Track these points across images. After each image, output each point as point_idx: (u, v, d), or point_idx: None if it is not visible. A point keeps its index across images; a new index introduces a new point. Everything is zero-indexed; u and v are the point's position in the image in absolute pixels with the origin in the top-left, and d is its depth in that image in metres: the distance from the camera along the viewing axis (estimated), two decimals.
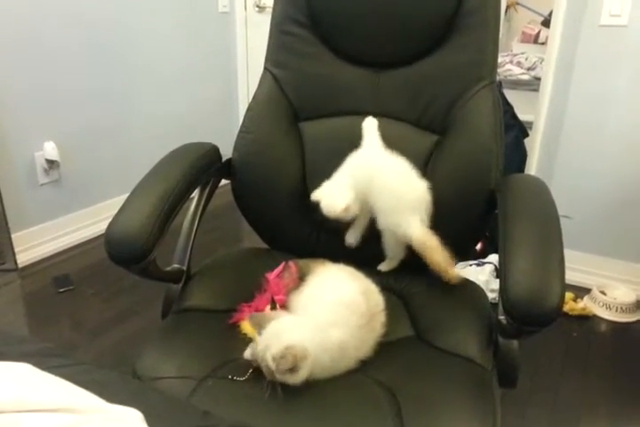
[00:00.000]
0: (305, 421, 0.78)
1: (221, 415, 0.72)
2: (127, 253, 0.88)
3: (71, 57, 2.29)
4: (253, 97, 1.26)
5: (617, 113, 1.96)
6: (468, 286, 1.09)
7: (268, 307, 1.00)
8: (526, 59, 3.56)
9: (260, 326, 0.85)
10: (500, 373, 0.90)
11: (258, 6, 3.04)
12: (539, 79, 2.54)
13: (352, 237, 1.14)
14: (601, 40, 1.91)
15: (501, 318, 0.86)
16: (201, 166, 1.11)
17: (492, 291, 1.89)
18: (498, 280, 1.98)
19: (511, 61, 3.60)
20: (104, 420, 0.62)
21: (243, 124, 1.24)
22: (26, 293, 2.11)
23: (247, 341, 0.89)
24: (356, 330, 0.86)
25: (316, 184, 1.22)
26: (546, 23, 3.57)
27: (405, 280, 1.13)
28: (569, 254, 0.80)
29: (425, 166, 1.14)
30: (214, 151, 1.17)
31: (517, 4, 3.89)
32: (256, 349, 0.82)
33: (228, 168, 1.22)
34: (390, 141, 1.17)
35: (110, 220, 0.92)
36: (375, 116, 1.19)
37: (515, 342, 0.91)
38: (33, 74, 2.17)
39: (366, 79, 1.18)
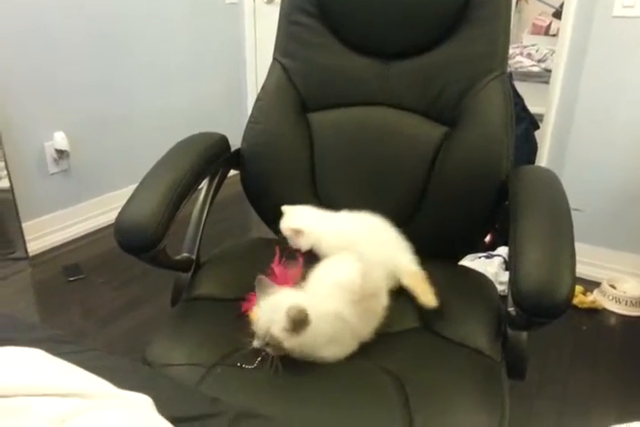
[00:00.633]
0: (313, 408, 0.79)
1: (230, 402, 0.73)
2: (137, 241, 0.88)
3: (77, 48, 2.29)
4: (262, 87, 1.25)
5: (628, 105, 1.94)
6: (476, 277, 1.09)
7: None
8: (537, 51, 3.53)
9: (263, 293, 0.88)
10: (509, 364, 0.90)
11: None
12: (549, 71, 2.52)
13: None
14: (614, 31, 1.88)
15: (511, 309, 0.85)
16: (210, 156, 1.11)
17: (501, 283, 1.88)
18: (507, 273, 1.98)
19: (521, 53, 3.56)
20: (114, 405, 0.62)
21: (252, 114, 1.24)
22: (36, 281, 2.12)
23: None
24: (351, 305, 0.87)
25: (325, 174, 1.22)
26: (557, 15, 3.53)
27: None
28: (579, 247, 0.80)
29: (434, 158, 1.13)
30: (223, 141, 1.17)
31: None
32: (257, 322, 0.84)
33: (236, 158, 1.23)
34: (399, 133, 1.17)
35: (119, 209, 0.92)
36: (384, 106, 1.18)
37: (524, 334, 0.90)
38: (41, 64, 2.18)
39: (375, 69, 1.17)
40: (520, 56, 3.54)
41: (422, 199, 1.14)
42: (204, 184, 1.15)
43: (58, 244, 2.35)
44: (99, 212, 2.50)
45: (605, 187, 2.06)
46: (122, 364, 0.81)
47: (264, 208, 1.25)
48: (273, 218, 1.26)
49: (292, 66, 1.21)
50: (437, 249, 1.07)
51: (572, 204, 0.90)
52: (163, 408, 0.66)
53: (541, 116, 2.26)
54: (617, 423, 0.92)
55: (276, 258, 1.08)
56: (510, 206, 0.93)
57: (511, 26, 1.14)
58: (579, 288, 2.00)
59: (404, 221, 1.10)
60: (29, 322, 0.89)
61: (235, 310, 0.99)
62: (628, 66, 1.90)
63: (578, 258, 0.78)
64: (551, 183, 0.96)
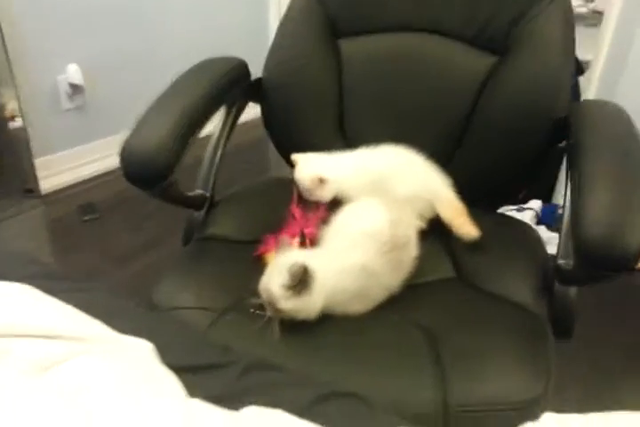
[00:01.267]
0: (334, 361, 0.71)
1: (241, 352, 0.65)
2: (146, 171, 0.79)
3: None
4: (287, 9, 1.13)
5: None
6: (520, 226, 0.98)
7: (297, 240, 0.91)
8: None
9: (280, 252, 0.79)
10: (554, 322, 0.80)
11: None
12: (599, 13, 2.31)
13: None
14: None
15: (561, 262, 0.75)
16: (227, 83, 0.99)
17: None
18: (540, 227, 1.87)
19: None
20: (106, 351, 0.55)
21: (275, 39, 1.12)
22: (50, 220, 2.09)
23: None
24: (378, 256, 0.79)
25: (353, 109, 1.10)
26: None
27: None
28: None
29: (479, 91, 1.00)
30: (242, 67, 1.05)
31: None
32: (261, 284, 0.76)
33: (257, 89, 1.11)
34: (439, 63, 1.04)
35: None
36: (423, 32, 1.05)
37: (573, 290, 0.80)
38: None
39: None
40: None
41: (463, 139, 1.02)
42: (220, 117, 1.04)
43: (73, 182, 2.28)
44: (115, 150, 2.38)
45: None
46: (124, 306, 0.74)
47: (285, 145, 1.15)
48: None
49: None
50: (476, 195, 0.95)
51: None
52: (166, 356, 0.59)
53: (587, 63, 2.08)
54: None
55: (294, 198, 0.99)
56: (571, 147, 0.81)
57: None
58: None
59: (442, 164, 0.99)
60: (27, 256, 0.80)
61: (250, 253, 0.90)
62: None
63: None
64: (621, 121, 0.83)
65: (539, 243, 0.95)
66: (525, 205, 2.01)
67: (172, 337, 0.66)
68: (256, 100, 1.13)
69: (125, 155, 0.80)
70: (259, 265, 0.86)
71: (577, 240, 0.65)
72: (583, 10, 3.19)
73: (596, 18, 2.31)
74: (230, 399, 0.56)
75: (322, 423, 0.52)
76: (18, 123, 2.05)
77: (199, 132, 0.87)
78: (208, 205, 1.00)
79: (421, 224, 0.92)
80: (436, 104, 1.05)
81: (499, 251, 0.90)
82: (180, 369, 0.58)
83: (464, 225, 0.88)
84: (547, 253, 0.92)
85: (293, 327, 0.73)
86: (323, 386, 0.59)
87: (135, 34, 2.37)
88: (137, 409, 0.47)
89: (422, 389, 0.67)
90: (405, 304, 0.80)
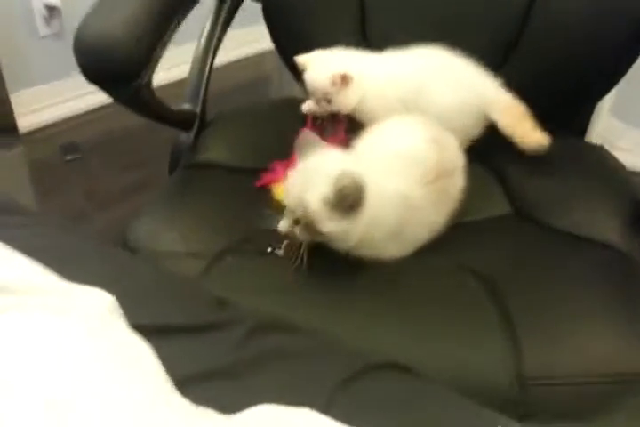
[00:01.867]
0: (371, 321, 0.53)
1: (245, 307, 0.48)
2: (109, 63, 0.59)
3: None
4: None
5: None
6: (593, 150, 0.79)
7: None
8: None
9: (305, 153, 0.61)
10: None
11: None
12: None
13: None
14: None
15: None
16: None
17: None
18: None
19: None
20: (47, 306, 0.38)
21: None
22: (30, 160, 1.96)
23: (281, 209, 0.62)
24: (421, 187, 0.62)
25: (379, 6, 0.88)
26: None
27: (497, 148, 0.80)
28: None
29: None
30: None
31: None
32: (288, 192, 0.58)
33: None
34: None
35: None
36: None
37: None
38: None
39: None
40: None
41: (520, 38, 0.81)
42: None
43: (53, 120, 2.11)
44: None
45: None
46: (88, 247, 0.56)
47: (293, 54, 0.93)
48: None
49: None
50: (537, 108, 0.75)
51: None
52: (137, 312, 0.42)
53: None
54: None
55: (309, 119, 0.81)
56: None
57: None
58: None
59: (493, 69, 0.78)
60: None
61: (251, 183, 0.72)
62: None
63: None
64: None
65: (622, 169, 0.75)
66: None
67: (146, 287, 0.48)
68: None
69: (79, 42, 0.59)
70: (264, 197, 0.68)
71: None
72: None
73: None
74: (228, 376, 0.39)
75: (365, 412, 0.35)
76: None
77: (181, 19, 0.66)
78: (198, 124, 0.80)
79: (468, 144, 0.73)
80: None
81: (567, 177, 0.71)
82: (154, 331, 0.40)
83: (530, 132, 0.69)
84: (632, 181, 0.72)
85: (316, 273, 0.55)
86: (360, 356, 0.41)
87: None
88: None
89: (490, 357, 0.50)
90: (455, 246, 0.62)
